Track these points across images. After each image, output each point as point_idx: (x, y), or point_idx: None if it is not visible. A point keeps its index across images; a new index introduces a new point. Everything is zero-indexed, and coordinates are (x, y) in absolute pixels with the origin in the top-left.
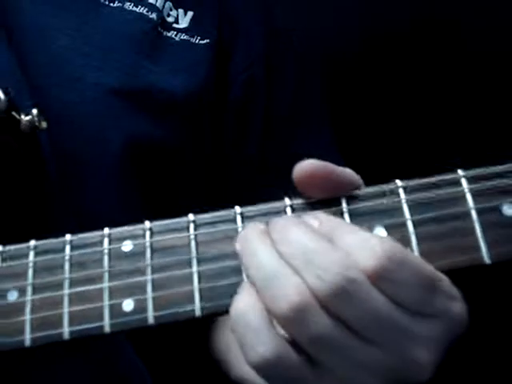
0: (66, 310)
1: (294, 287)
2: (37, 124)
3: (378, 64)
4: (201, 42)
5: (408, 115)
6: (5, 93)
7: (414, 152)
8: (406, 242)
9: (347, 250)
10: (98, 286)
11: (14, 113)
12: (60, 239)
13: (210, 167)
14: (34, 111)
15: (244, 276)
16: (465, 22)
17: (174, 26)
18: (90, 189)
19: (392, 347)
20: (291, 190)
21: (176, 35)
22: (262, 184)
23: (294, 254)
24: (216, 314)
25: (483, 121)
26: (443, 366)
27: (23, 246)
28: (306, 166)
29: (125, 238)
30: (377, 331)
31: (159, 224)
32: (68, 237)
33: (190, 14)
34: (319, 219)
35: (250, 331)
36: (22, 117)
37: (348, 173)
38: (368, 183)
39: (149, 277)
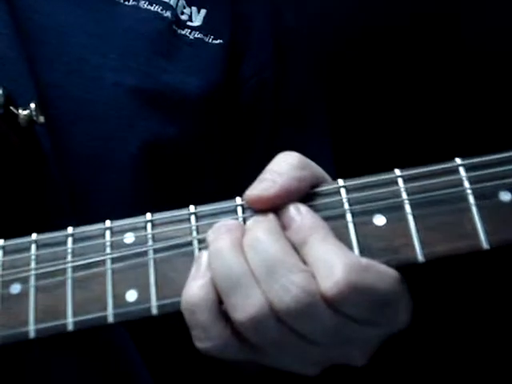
0: (69, 301)
1: (254, 299)
2: (34, 118)
3: (378, 60)
4: (214, 41)
5: (407, 110)
6: (2, 87)
7: (412, 145)
8: (405, 230)
9: (312, 271)
10: (100, 278)
11: (12, 107)
12: (62, 232)
13: (220, 167)
14: (32, 105)
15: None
16: (464, 18)
17: (188, 23)
18: (103, 188)
19: (333, 348)
20: None
21: (190, 33)
22: None
23: (260, 264)
24: None
25: (481, 116)
26: (443, 366)
27: (25, 239)
28: (250, 196)
29: (126, 231)
30: (324, 339)
31: (160, 216)
32: (70, 230)
33: (204, 11)
34: (300, 215)
35: (198, 324)
36: (20, 111)
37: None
38: (368, 172)
39: (151, 268)
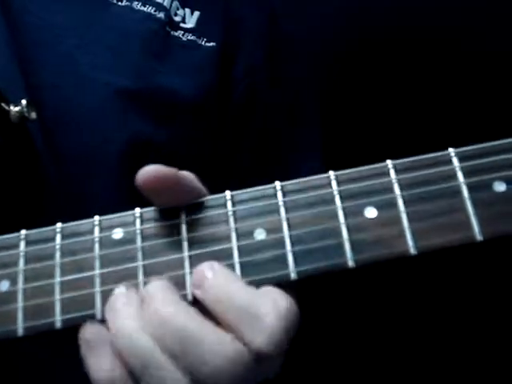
0: (57, 298)
1: (172, 378)
2: (26, 115)
3: (371, 56)
4: (207, 44)
5: (402, 107)
6: None
7: (405, 140)
8: (397, 222)
9: (237, 328)
10: (89, 274)
11: (3, 104)
12: (50, 228)
13: (210, 169)
14: (23, 102)
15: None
16: (461, 23)
17: (181, 25)
18: (91, 189)
19: None
20: None
21: (183, 35)
22: None
23: (169, 340)
24: None
25: (474, 106)
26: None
27: (14, 235)
28: (150, 171)
29: (115, 226)
30: None
31: (149, 210)
32: (58, 225)
33: (197, 13)
34: (213, 272)
35: None
36: (12, 107)
37: (193, 181)
38: (360, 164)
39: (140, 263)
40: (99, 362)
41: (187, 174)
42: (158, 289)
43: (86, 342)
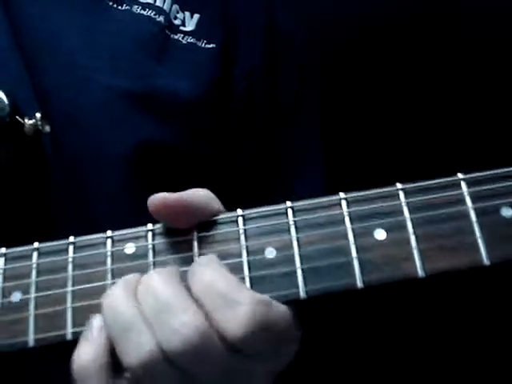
0: (69, 310)
1: (144, 344)
2: (40, 128)
3: (376, 65)
4: (207, 45)
5: (409, 118)
6: (8, 96)
7: (414, 154)
8: (405, 244)
9: (211, 312)
10: (101, 288)
11: (17, 117)
12: (63, 241)
13: (211, 170)
14: (38, 115)
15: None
16: (464, 14)
17: (181, 28)
18: (96, 191)
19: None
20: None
21: (183, 38)
22: (256, 193)
23: (150, 307)
24: None
25: (484, 129)
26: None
27: (27, 247)
28: (157, 199)
29: (127, 240)
30: (218, 380)
31: (161, 226)
32: (71, 239)
33: (197, 16)
34: (197, 267)
35: None
36: (26, 120)
37: (203, 202)
38: (369, 186)
39: None
40: (82, 348)
41: (198, 196)
42: (156, 270)
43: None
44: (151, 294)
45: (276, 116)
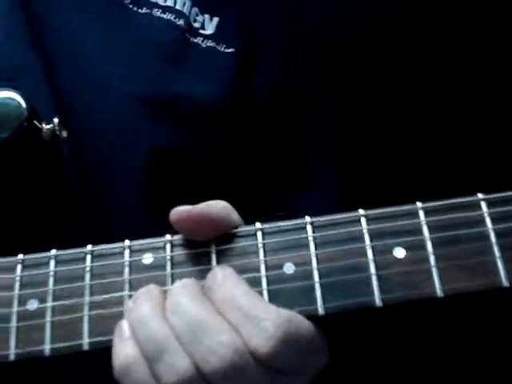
0: (86, 320)
1: (180, 364)
2: (58, 133)
3: (391, 73)
4: (226, 50)
5: (425, 131)
6: (26, 101)
7: (433, 170)
8: (425, 263)
9: (238, 330)
10: (118, 298)
11: (35, 121)
12: (81, 249)
13: (229, 177)
14: (56, 120)
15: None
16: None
17: (201, 31)
18: (112, 197)
19: None
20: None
21: (202, 41)
22: (276, 199)
23: (183, 327)
24: None
25: (502, 149)
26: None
27: (44, 255)
28: (182, 211)
29: (145, 251)
30: None
31: (180, 237)
32: (89, 247)
33: (216, 19)
34: (223, 275)
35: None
36: (44, 125)
37: (224, 214)
38: (389, 204)
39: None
40: (120, 348)
41: (218, 209)
42: (181, 284)
43: (118, 331)
44: (183, 313)
45: (293, 123)
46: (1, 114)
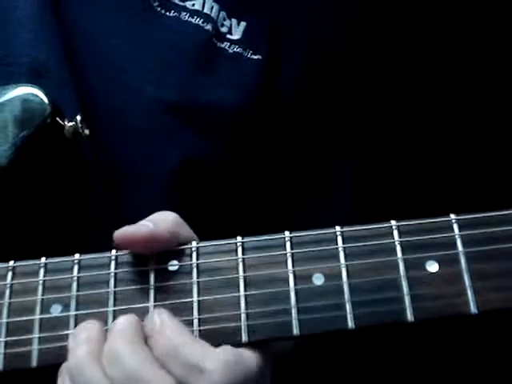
0: (110, 327)
1: None
2: (80, 131)
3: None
4: (253, 56)
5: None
6: (48, 98)
7: (469, 185)
8: (459, 279)
9: (181, 381)
10: (143, 305)
11: (58, 118)
12: (105, 254)
13: (251, 185)
14: (78, 118)
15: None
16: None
17: (228, 36)
18: (135, 203)
19: None
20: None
21: (229, 47)
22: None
23: (119, 378)
24: (263, 340)
25: None
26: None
27: (68, 259)
28: (121, 233)
29: (171, 258)
30: None
31: (206, 245)
32: (113, 253)
33: (243, 24)
34: (160, 321)
35: None
36: (66, 123)
37: (163, 231)
38: (422, 216)
39: (195, 298)
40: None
41: (166, 226)
42: (121, 325)
43: (60, 374)
44: (120, 365)
45: (316, 130)
46: (24, 111)
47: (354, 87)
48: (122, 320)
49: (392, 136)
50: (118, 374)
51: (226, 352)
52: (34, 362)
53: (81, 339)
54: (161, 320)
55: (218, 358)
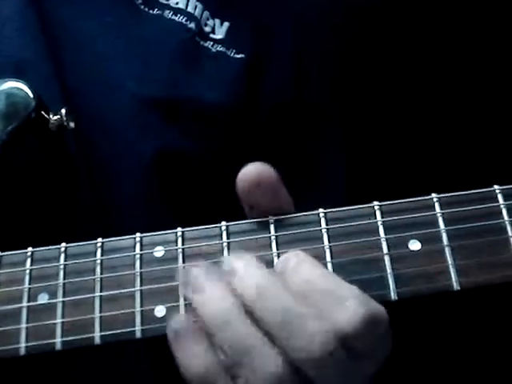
0: (97, 314)
1: (271, 363)
2: (65, 124)
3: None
4: (236, 55)
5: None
6: (33, 92)
7: (441, 175)
8: (440, 256)
9: (322, 312)
10: (129, 291)
11: (42, 112)
12: (91, 242)
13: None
14: (63, 111)
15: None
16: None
17: (211, 36)
18: (116, 193)
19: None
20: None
21: (212, 46)
22: None
23: (270, 322)
24: None
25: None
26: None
27: (54, 248)
28: (253, 168)
29: (156, 244)
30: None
31: (191, 230)
32: (99, 240)
33: (227, 24)
34: (288, 267)
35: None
36: (51, 116)
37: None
38: (403, 196)
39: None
40: (189, 357)
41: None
42: (243, 262)
43: (174, 334)
44: (270, 307)
45: (301, 130)
46: (8, 105)
47: (342, 84)
48: (235, 257)
49: (383, 131)
50: (269, 318)
51: (356, 288)
52: (22, 351)
53: (203, 287)
54: (297, 258)
55: (353, 290)
